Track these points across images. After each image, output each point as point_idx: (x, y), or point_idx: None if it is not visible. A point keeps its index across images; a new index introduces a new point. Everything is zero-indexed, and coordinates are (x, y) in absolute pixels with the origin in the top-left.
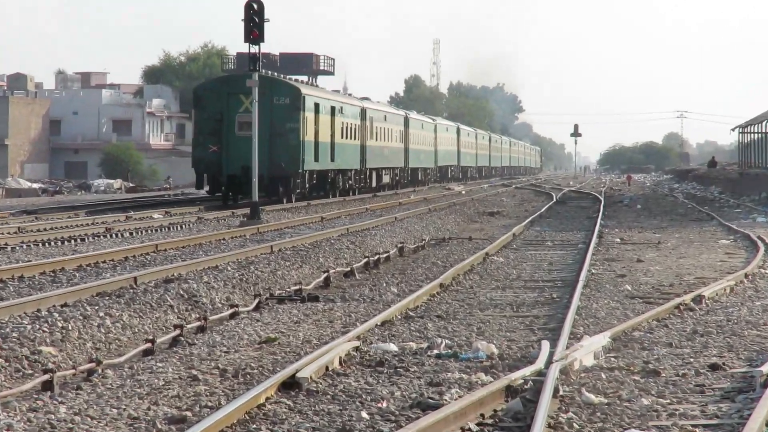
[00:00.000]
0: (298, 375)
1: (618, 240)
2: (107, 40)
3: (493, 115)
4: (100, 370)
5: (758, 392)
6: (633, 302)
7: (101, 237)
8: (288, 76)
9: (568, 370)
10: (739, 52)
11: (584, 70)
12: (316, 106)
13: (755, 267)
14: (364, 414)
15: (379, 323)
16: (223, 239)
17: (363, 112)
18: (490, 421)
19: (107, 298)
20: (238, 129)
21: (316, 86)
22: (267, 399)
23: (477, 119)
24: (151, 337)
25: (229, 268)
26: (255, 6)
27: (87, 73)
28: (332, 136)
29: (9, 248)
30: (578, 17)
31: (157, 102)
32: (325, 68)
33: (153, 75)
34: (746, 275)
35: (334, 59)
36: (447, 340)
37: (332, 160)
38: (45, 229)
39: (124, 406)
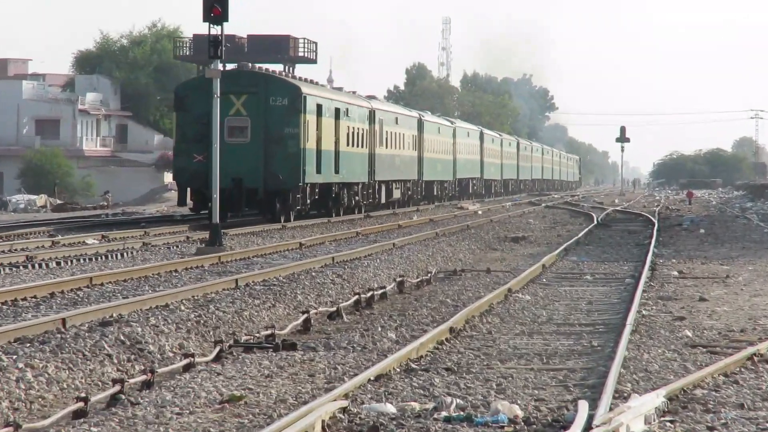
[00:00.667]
0: None
1: (676, 273)
2: (29, 18)
3: (517, 115)
4: None
5: None
6: (694, 352)
7: (20, 268)
8: (258, 66)
9: None
10: None
11: (632, 58)
12: (319, 107)
13: None
14: None
15: (372, 378)
16: (176, 271)
17: (371, 114)
18: None
19: (28, 345)
20: (229, 135)
21: (316, 83)
22: None
23: (498, 120)
24: (83, 395)
25: (182, 308)
26: None
27: (3, 60)
28: (336, 143)
29: None
30: None
31: (92, 97)
32: (305, 54)
33: (87, 63)
34: None
35: (316, 43)
36: (459, 400)
37: (336, 171)
38: None
39: None
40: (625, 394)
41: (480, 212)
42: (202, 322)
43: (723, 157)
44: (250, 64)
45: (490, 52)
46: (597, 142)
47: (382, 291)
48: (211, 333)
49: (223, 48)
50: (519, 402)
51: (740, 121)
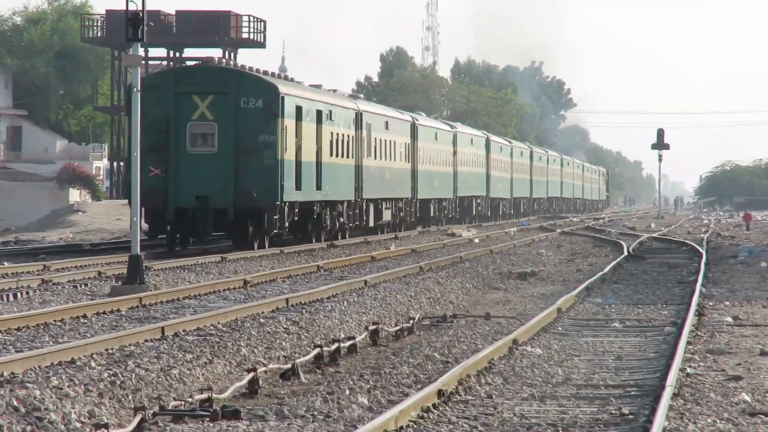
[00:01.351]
0: None
1: (729, 319)
2: None
3: (525, 114)
4: None
5: None
6: (754, 422)
7: None
8: (225, 59)
9: None
10: None
11: (673, 41)
12: (298, 110)
13: None
14: None
15: None
16: (84, 316)
17: (358, 118)
18: None
19: None
20: (191, 144)
21: (291, 80)
22: None
23: (499, 120)
24: None
25: (93, 364)
26: None
27: None
28: (318, 152)
29: None
30: None
31: None
32: (251, 36)
33: None
34: None
35: (264, 22)
36: None
37: (318, 187)
38: None
39: None
40: None
41: (477, 240)
42: (118, 382)
43: None
44: (216, 58)
45: (489, 33)
46: (627, 150)
47: (350, 343)
48: (131, 397)
49: (145, 27)
50: None
51: None
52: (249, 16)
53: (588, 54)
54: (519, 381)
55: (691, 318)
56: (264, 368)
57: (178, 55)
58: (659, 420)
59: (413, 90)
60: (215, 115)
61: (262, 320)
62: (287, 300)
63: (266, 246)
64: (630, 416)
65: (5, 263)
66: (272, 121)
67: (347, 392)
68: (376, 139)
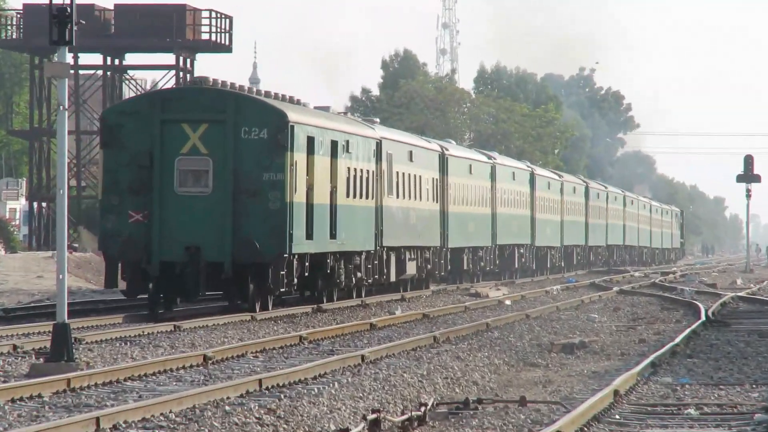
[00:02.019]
0: None
1: None
2: None
3: (571, 137)
4: None
5: None
6: None
7: None
8: (215, 79)
9: None
10: None
11: (761, 44)
12: (310, 141)
13: None
14: None
15: None
16: None
17: (378, 148)
18: None
19: None
20: (180, 183)
21: (297, 102)
22: None
23: (537, 145)
24: None
25: None
26: None
27: None
28: (333, 193)
29: None
30: None
31: None
32: (214, 37)
33: None
34: None
35: (230, 19)
36: None
37: (333, 235)
38: None
39: None
40: None
41: (508, 302)
42: None
43: None
44: (212, 78)
45: (524, 33)
46: (705, 183)
47: None
48: None
49: (74, 27)
50: None
51: None
52: (210, 11)
53: (654, 61)
54: None
55: None
56: None
57: (117, 62)
58: None
59: (425, 106)
60: (210, 148)
61: (227, 408)
62: (260, 381)
63: (269, 307)
64: None
65: None
66: (279, 156)
67: None
68: (398, 173)
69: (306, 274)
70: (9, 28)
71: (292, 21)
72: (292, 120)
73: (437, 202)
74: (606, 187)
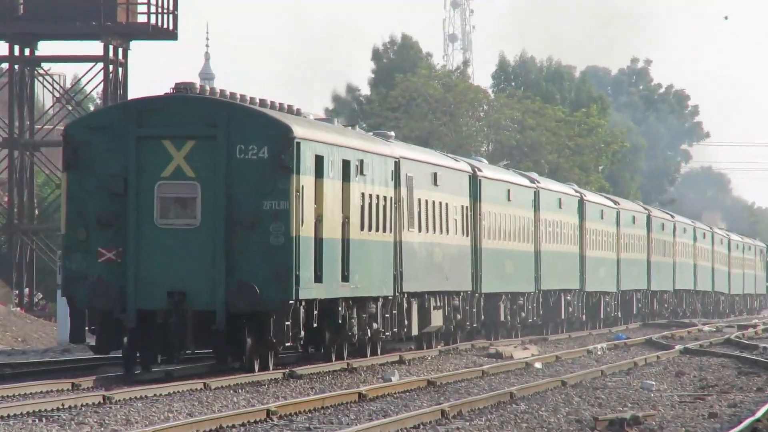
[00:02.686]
0: None
1: None
2: None
3: (621, 148)
4: None
5: None
6: None
7: None
8: (203, 85)
9: None
10: None
11: None
12: (318, 161)
13: None
14: None
15: None
16: None
17: (396, 170)
18: None
19: None
20: (162, 213)
21: (297, 113)
22: None
23: (575, 160)
24: None
25: None
26: None
27: None
28: (345, 224)
29: None
30: None
31: None
32: (153, 21)
33: None
34: None
35: None
36: None
37: (345, 277)
38: None
39: None
40: None
41: (539, 365)
42: None
43: None
44: (198, 84)
45: (558, 12)
46: None
47: None
48: None
49: None
50: None
51: None
52: None
53: (733, 49)
54: None
55: None
56: None
57: (29, 52)
58: None
59: (429, 109)
60: (197, 171)
61: None
62: None
63: (270, 366)
64: None
65: None
66: (283, 179)
67: None
68: (420, 200)
69: (315, 324)
70: None
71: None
72: (298, 135)
73: (467, 235)
74: (673, 217)
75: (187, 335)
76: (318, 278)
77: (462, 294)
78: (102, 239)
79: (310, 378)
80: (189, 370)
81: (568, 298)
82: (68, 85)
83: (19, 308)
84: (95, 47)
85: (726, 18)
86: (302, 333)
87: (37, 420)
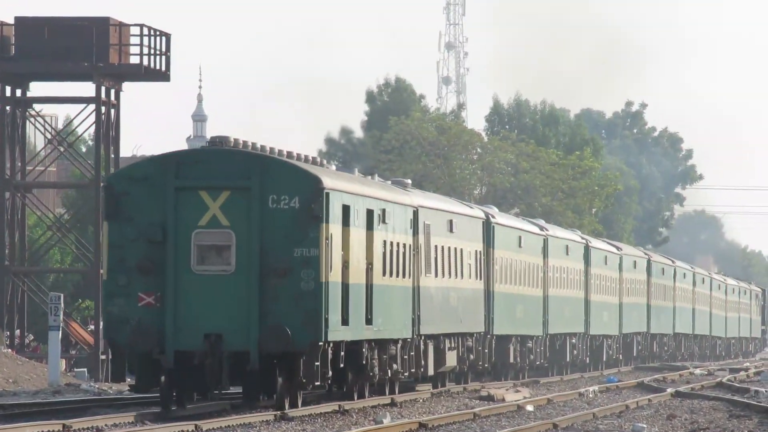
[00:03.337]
0: None
1: None
2: None
3: (614, 193)
4: None
5: None
6: None
7: None
8: (237, 140)
9: None
10: None
11: None
12: (345, 211)
13: None
14: None
15: None
16: None
17: (415, 218)
18: None
19: None
20: (198, 260)
21: (320, 163)
22: None
23: (570, 202)
24: None
25: None
26: None
27: None
28: (369, 270)
29: None
30: None
31: None
32: (145, 62)
33: None
34: None
35: (167, 36)
36: None
37: (369, 321)
38: None
39: None
40: None
41: (530, 408)
42: None
43: None
44: (232, 138)
45: (552, 53)
46: None
47: None
48: None
49: None
50: None
51: None
52: (142, 26)
53: (727, 92)
54: None
55: None
56: None
57: (20, 93)
58: None
59: (422, 152)
60: (232, 220)
61: None
62: None
63: (299, 404)
64: None
65: None
66: (314, 228)
67: None
68: (436, 247)
69: (341, 365)
70: None
71: (244, 40)
72: (327, 186)
73: (481, 279)
74: (673, 262)
75: (223, 374)
76: (345, 321)
77: (475, 335)
78: (142, 285)
79: (302, 420)
80: (217, 406)
81: (573, 341)
82: (60, 126)
83: (10, 350)
84: (87, 88)
85: None
86: (330, 373)
87: None
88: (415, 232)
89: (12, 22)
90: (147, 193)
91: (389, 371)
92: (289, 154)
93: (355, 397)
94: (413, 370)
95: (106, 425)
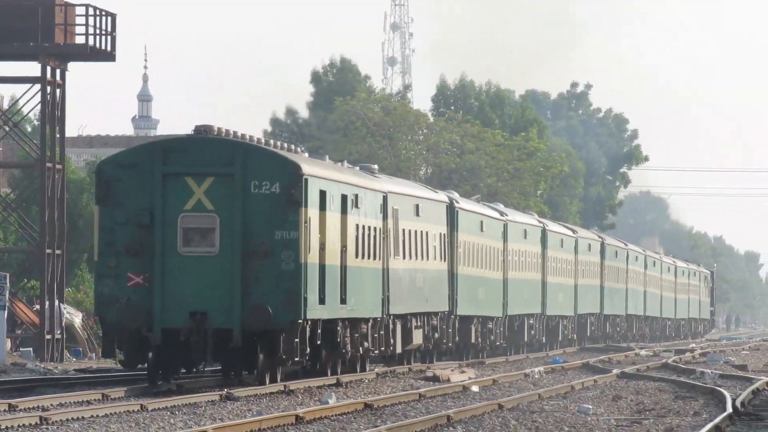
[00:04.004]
0: None
1: None
2: None
3: (560, 173)
4: None
5: None
6: None
7: None
8: (225, 129)
9: None
10: None
11: None
12: (322, 196)
13: None
14: None
15: None
16: None
17: (384, 203)
18: None
19: None
20: (184, 242)
21: (295, 150)
22: None
23: (516, 184)
24: None
25: None
26: None
27: None
28: (343, 252)
29: None
30: None
31: None
32: (91, 42)
33: None
34: None
35: (113, 16)
36: None
37: (343, 300)
38: None
39: None
40: None
41: (476, 388)
42: None
43: None
44: (216, 127)
45: (499, 35)
46: (733, 235)
47: None
48: None
49: None
50: None
51: None
52: (87, 6)
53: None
54: None
55: None
56: None
57: None
58: None
59: (368, 132)
60: (216, 204)
61: None
62: None
63: (278, 380)
64: None
65: None
66: (293, 212)
67: None
68: (404, 230)
69: (318, 342)
70: None
71: (190, 21)
72: (306, 173)
73: (445, 260)
74: (626, 245)
75: (207, 350)
76: (321, 300)
77: (440, 314)
78: (131, 266)
79: (247, 400)
80: (201, 383)
81: (531, 321)
82: (6, 105)
83: None
84: (33, 68)
85: None
86: (308, 350)
87: None
88: (385, 217)
89: None
90: (136, 179)
91: (360, 349)
92: (267, 142)
93: (329, 373)
94: (383, 348)
95: (51, 405)
